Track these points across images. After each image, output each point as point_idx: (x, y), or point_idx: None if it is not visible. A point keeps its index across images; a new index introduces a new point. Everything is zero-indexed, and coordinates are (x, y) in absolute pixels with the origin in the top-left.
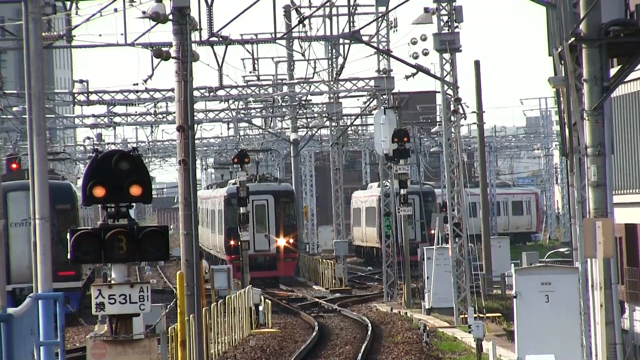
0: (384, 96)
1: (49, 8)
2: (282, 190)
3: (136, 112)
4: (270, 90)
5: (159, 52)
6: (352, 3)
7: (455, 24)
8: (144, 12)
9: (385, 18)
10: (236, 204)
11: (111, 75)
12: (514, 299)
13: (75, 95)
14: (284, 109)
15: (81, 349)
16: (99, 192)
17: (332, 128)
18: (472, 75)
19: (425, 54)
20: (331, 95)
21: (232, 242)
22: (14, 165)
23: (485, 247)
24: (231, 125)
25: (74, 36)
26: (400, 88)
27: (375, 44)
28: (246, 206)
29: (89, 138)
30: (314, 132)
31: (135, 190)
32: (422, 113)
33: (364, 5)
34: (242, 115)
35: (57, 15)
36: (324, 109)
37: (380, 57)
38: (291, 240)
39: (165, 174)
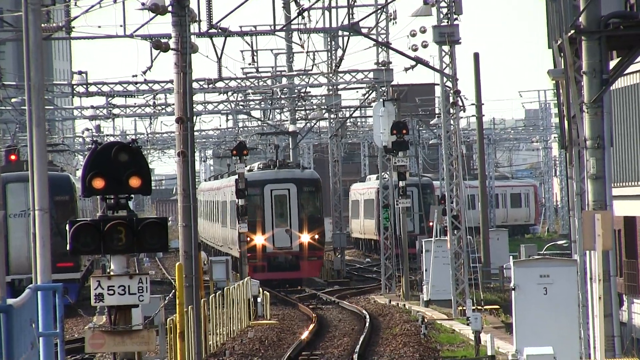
0: (383, 88)
1: None
2: (305, 178)
3: (135, 103)
4: (269, 82)
5: (158, 43)
6: None
7: (455, 16)
8: (143, 4)
9: (384, 10)
10: (252, 194)
11: (110, 66)
12: (512, 292)
13: (74, 86)
14: (282, 101)
15: (80, 340)
16: (99, 183)
17: (331, 120)
18: (471, 67)
19: (425, 46)
20: (330, 87)
21: (247, 239)
22: (12, 157)
23: (484, 239)
24: (230, 117)
25: (73, 27)
26: (399, 80)
27: (374, 36)
28: (245, 198)
29: (87, 129)
30: (312, 124)
31: (135, 182)
32: (421, 105)
33: None
34: (241, 107)
35: (56, 6)
36: (323, 100)
37: (380, 49)
38: (316, 237)
39: (164, 165)
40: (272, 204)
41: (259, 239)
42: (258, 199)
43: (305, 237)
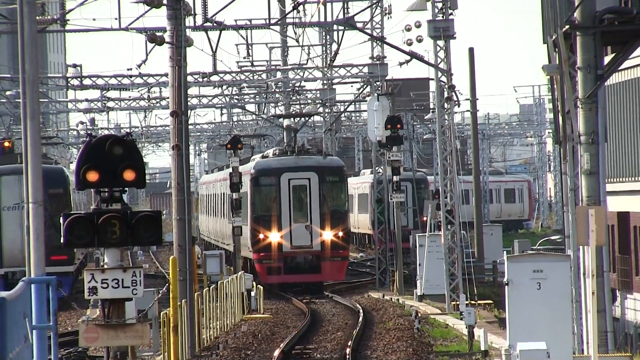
0: (378, 83)
1: None
2: (327, 166)
3: (130, 97)
4: (264, 76)
5: (153, 37)
6: None
7: (450, 11)
8: None
9: (379, 4)
10: (267, 184)
11: (105, 59)
12: (506, 287)
13: (69, 79)
14: (277, 95)
15: (73, 333)
16: (93, 176)
17: (326, 114)
18: (466, 62)
19: (419, 40)
20: (325, 82)
21: (260, 236)
22: (7, 144)
23: (478, 234)
24: (225, 110)
25: (68, 20)
26: (394, 75)
27: (369, 31)
28: (238, 192)
29: (82, 123)
30: (307, 118)
31: (129, 175)
32: (415, 100)
33: None
34: (236, 101)
35: None
36: (318, 95)
37: (374, 44)
38: (340, 234)
39: (158, 159)
40: (290, 195)
41: (274, 237)
42: (273, 190)
43: (328, 235)
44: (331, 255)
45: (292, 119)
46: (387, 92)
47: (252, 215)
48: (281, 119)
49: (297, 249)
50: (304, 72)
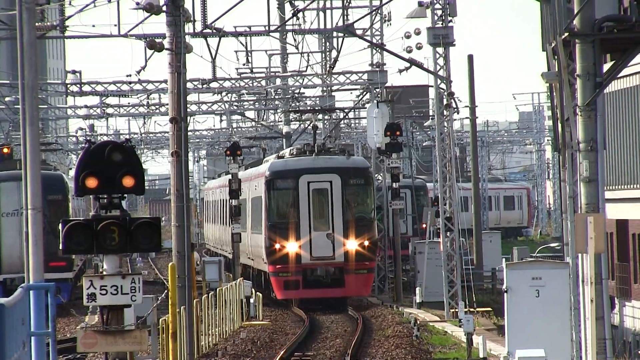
0: (377, 90)
1: None
2: (352, 167)
3: (129, 103)
4: (263, 82)
5: (153, 43)
6: None
7: (449, 18)
8: (137, 3)
9: (379, 11)
10: (284, 187)
11: (104, 66)
12: (505, 294)
13: (68, 85)
14: (276, 102)
15: (72, 340)
16: (92, 183)
17: (325, 121)
18: (465, 69)
19: (419, 47)
20: (324, 89)
21: (277, 246)
22: (5, 150)
23: (477, 241)
24: (224, 117)
25: (67, 26)
26: (393, 82)
27: (368, 38)
28: (238, 199)
29: (81, 129)
30: (306, 124)
31: (128, 182)
32: (414, 107)
33: None
34: (235, 107)
35: (51, 5)
36: (317, 101)
37: (374, 51)
38: (366, 243)
39: (157, 165)
40: (310, 200)
41: (291, 247)
42: (291, 194)
43: (352, 244)
44: (356, 268)
45: (290, 125)
46: (387, 99)
47: (267, 222)
48: (280, 126)
49: (318, 260)
50: (303, 79)
